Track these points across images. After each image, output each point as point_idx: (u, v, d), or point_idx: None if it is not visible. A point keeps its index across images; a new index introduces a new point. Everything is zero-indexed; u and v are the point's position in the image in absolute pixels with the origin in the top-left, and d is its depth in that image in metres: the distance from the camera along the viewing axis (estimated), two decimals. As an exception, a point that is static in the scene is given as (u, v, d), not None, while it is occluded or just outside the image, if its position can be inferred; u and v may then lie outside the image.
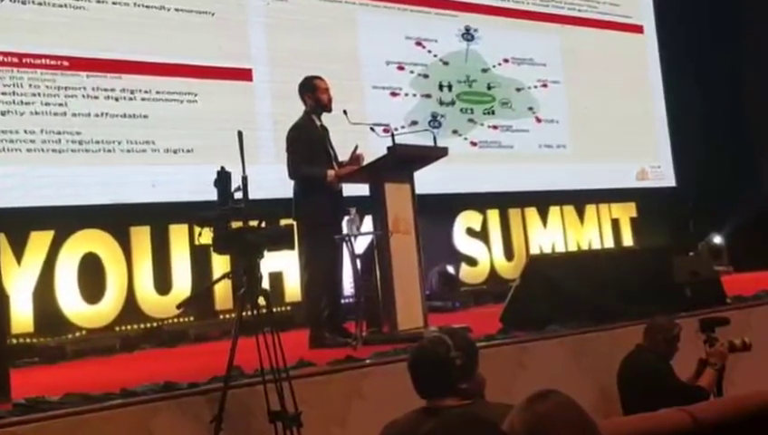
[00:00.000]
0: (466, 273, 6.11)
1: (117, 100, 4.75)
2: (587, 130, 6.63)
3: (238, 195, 3.05)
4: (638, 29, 7.16)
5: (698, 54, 7.29)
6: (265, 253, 3.13)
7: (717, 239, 7.11)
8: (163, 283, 4.86)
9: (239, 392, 3.06)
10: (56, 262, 4.52)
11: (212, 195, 3.04)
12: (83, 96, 4.67)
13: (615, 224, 6.97)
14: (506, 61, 6.24)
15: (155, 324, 4.82)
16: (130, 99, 4.78)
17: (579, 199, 6.65)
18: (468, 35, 6.06)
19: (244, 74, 5.18)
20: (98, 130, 4.69)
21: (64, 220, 4.56)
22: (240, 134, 3.03)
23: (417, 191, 4.10)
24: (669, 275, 4.52)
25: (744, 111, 7.45)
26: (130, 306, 4.76)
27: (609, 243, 6.87)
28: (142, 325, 4.80)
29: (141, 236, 4.81)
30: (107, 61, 4.76)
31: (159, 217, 4.87)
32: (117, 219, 4.74)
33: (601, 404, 3.71)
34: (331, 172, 3.99)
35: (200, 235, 3.12)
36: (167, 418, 3.02)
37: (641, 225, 7.05)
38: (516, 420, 1.36)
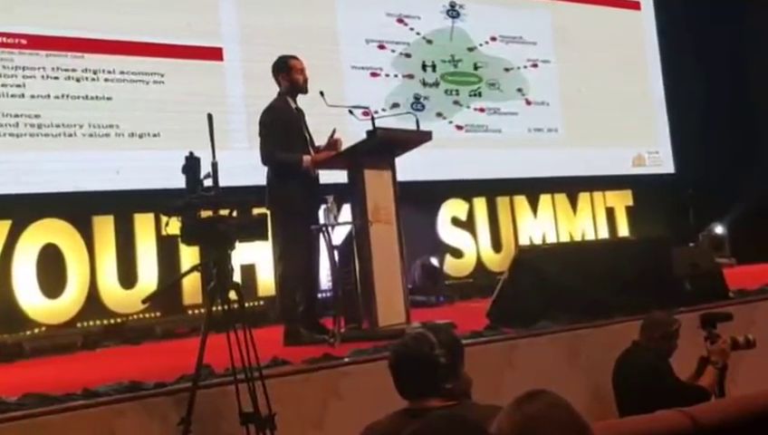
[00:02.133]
0: (451, 265, 6.12)
1: (78, 81, 4.77)
2: (580, 114, 6.63)
3: (208, 182, 3.06)
4: (634, 5, 7.16)
5: (698, 33, 7.29)
6: (237, 244, 3.12)
7: (719, 229, 7.14)
8: (128, 276, 4.88)
9: (209, 393, 3.06)
10: (13, 253, 4.55)
11: (180, 182, 3.04)
12: (42, 77, 4.69)
13: (610, 213, 6.97)
14: (494, 39, 6.24)
15: (119, 320, 4.84)
16: (93, 79, 4.80)
17: (571, 187, 6.65)
18: (453, 12, 6.06)
19: (215, 53, 5.19)
20: (58, 112, 4.72)
21: (22, 209, 4.58)
22: (210, 117, 3.06)
23: (399, 178, 4.12)
24: (668, 267, 4.56)
25: (747, 93, 7.47)
26: (93, 301, 4.78)
27: (604, 233, 6.87)
28: (105, 321, 4.82)
29: (104, 226, 4.83)
30: (68, 39, 4.77)
31: (124, 205, 4.88)
32: (78, 208, 4.76)
33: (595, 405, 3.73)
34: (306, 158, 4.00)
35: (167, 225, 3.10)
36: (132, 420, 3.01)
37: (638, 214, 7.05)
38: (505, 421, 1.37)
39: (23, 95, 4.62)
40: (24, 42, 4.64)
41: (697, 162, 7.26)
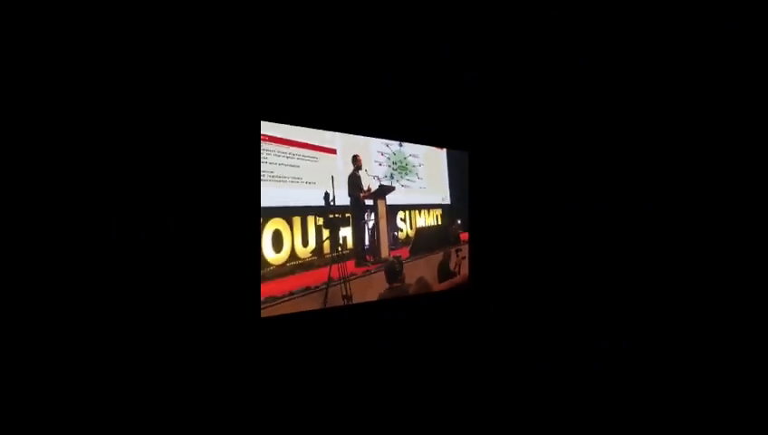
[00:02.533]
0: (400, 235, 5.96)
1: (287, 157, 4.51)
2: (430, 183, 7.05)
3: (332, 203, 3.44)
4: (440, 148, 7.33)
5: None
6: (341, 228, 3.58)
7: (459, 222, 7.24)
8: (304, 242, 4.61)
9: (332, 289, 3.43)
10: (263, 234, 4.26)
11: (322, 202, 3.50)
12: (274, 154, 4.42)
13: (436, 217, 7.05)
14: (411, 155, 6.63)
15: (301, 261, 4.58)
16: (291, 157, 4.56)
17: (428, 208, 6.90)
18: (400, 144, 6.51)
19: (334, 151, 5.08)
20: (278, 171, 4.43)
21: (265, 214, 4.29)
22: (332, 178, 3.55)
23: (387, 203, 4.81)
24: (450, 234, 5.60)
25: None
26: (292, 254, 4.46)
27: (435, 223, 6.91)
28: (296, 262, 4.54)
29: (297, 222, 4.57)
30: (279, 138, 4.51)
31: (303, 212, 4.61)
32: (287, 214, 4.47)
33: (435, 279, 4.59)
34: (361, 195, 4.46)
35: (317, 220, 3.50)
36: (303, 303, 3.36)
37: (443, 217, 7.10)
38: (410, 289, 1.59)
39: (265, 161, 4.34)
40: (265, 137, 4.37)
41: (457, 200, 7.52)
